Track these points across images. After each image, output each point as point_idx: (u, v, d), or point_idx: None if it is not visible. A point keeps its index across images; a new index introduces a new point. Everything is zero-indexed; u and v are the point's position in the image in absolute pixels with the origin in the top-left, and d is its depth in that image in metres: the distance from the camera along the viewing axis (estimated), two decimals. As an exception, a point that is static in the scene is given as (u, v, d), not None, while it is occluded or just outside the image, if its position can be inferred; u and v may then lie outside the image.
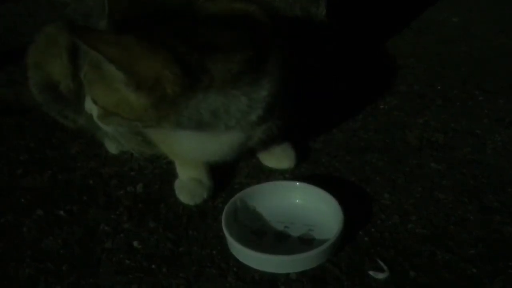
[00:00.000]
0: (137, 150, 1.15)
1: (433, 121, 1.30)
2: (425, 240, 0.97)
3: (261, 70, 0.91)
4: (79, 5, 1.25)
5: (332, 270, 0.92)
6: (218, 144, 0.98)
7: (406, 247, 0.96)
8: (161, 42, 0.82)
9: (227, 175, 1.14)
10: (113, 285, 0.91)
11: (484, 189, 1.08)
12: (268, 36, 0.93)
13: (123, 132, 0.98)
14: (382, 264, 0.91)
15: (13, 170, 1.21)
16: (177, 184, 1.10)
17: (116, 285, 0.91)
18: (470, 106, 1.36)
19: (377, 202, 1.06)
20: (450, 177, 1.12)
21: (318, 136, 1.26)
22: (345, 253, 0.95)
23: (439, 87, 1.45)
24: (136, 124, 0.89)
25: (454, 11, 1.88)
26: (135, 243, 1.00)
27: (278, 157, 1.16)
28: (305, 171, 1.16)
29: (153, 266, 0.95)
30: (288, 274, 0.91)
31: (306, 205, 1.04)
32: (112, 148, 1.23)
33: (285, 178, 1.13)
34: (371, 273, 0.90)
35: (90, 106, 0.94)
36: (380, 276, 0.90)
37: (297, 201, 1.05)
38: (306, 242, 0.96)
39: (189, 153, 1.04)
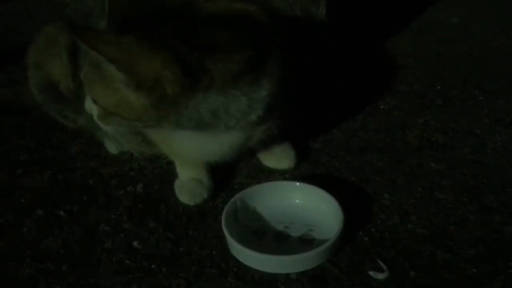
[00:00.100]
0: (137, 150, 1.15)
1: (433, 121, 1.30)
2: (425, 240, 0.97)
3: (261, 70, 0.91)
4: (79, 5, 1.25)
5: (332, 270, 0.92)
6: (218, 144, 0.98)
7: (406, 247, 0.96)
8: (161, 42, 0.82)
9: (227, 175, 1.14)
10: (113, 285, 0.92)
11: (484, 189, 1.08)
12: (268, 36, 0.93)
13: (123, 132, 0.98)
14: (382, 264, 0.91)
15: (13, 170, 1.21)
16: (177, 184, 1.10)
17: (116, 285, 0.91)
18: (470, 106, 1.36)
19: (377, 202, 1.06)
20: (450, 177, 1.12)
21: (318, 136, 1.26)
22: (345, 253, 0.95)
23: (439, 87, 1.45)
24: (136, 124, 0.90)
25: (454, 11, 1.88)
26: (135, 243, 1.00)
27: (278, 157, 1.16)
28: (305, 171, 1.16)
29: (153, 266, 0.95)
30: (288, 274, 0.91)
31: (306, 205, 1.04)
32: (112, 148, 1.23)
33: (285, 178, 1.13)
34: (371, 273, 0.90)
35: (90, 106, 0.94)
36: (380, 276, 0.90)
37: (297, 201, 1.05)
38: (306, 242, 0.96)
39: (189, 153, 1.04)
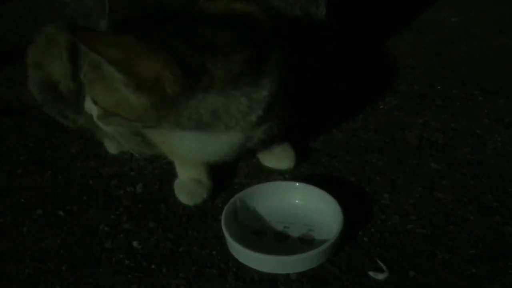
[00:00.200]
0: (136, 150, 1.15)
1: (433, 121, 1.30)
2: (425, 240, 0.97)
3: (261, 70, 0.91)
4: (79, 5, 1.25)
5: (332, 270, 0.92)
6: (218, 144, 0.98)
7: (406, 247, 0.96)
8: (161, 42, 0.82)
9: (227, 175, 1.14)
10: (113, 285, 0.91)
11: (484, 189, 1.08)
12: (268, 36, 0.93)
13: (123, 132, 0.98)
14: (381, 264, 0.91)
15: (13, 170, 1.21)
16: (176, 184, 1.10)
17: (116, 285, 0.91)
18: (470, 106, 1.36)
19: (377, 202, 1.06)
20: (450, 177, 1.11)
21: (318, 136, 1.26)
22: (345, 253, 0.95)
23: (439, 87, 1.45)
24: (136, 124, 0.89)
25: (454, 11, 1.88)
26: (135, 243, 1.00)
27: (278, 157, 1.16)
28: (305, 171, 1.16)
29: (153, 266, 0.95)
30: (288, 274, 0.91)
31: (306, 205, 1.04)
32: (112, 148, 1.23)
33: (285, 178, 1.13)
34: (371, 273, 0.90)
35: (90, 106, 0.94)
36: (380, 276, 0.90)
37: (297, 201, 1.05)
38: (306, 242, 0.96)
39: (189, 153, 1.04)
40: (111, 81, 0.84)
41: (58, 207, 1.09)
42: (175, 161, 1.12)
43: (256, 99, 0.92)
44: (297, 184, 1.06)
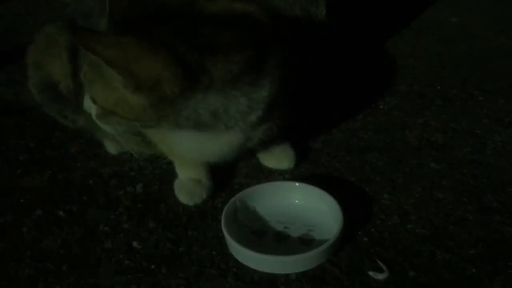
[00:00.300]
0: (136, 150, 1.15)
1: (433, 121, 1.30)
2: (425, 240, 0.96)
3: (261, 71, 0.91)
4: (79, 5, 1.25)
5: (332, 270, 0.92)
6: (217, 145, 0.98)
7: (406, 247, 0.96)
8: (161, 43, 0.82)
9: (227, 175, 1.14)
10: (112, 285, 0.91)
11: (484, 189, 1.08)
12: (268, 36, 0.93)
13: (122, 131, 0.98)
14: (381, 264, 0.91)
15: (13, 170, 1.21)
16: (176, 184, 1.10)
17: (116, 285, 0.91)
18: (470, 106, 1.36)
19: (377, 202, 1.06)
20: (450, 177, 1.11)
21: (318, 136, 1.26)
22: (345, 253, 0.95)
23: (439, 87, 1.45)
24: (135, 124, 0.89)
25: (454, 11, 1.88)
26: (135, 243, 1.00)
27: (278, 157, 1.16)
28: (305, 171, 1.16)
29: (153, 266, 0.95)
30: (288, 275, 0.91)
31: (305, 206, 1.04)
32: (111, 148, 1.23)
33: (284, 178, 1.13)
34: (370, 273, 0.90)
35: (89, 105, 0.94)
36: (380, 276, 0.90)
37: (297, 201, 1.05)
38: (306, 243, 0.96)
39: (188, 153, 1.04)
40: (110, 80, 0.84)
41: (58, 207, 1.09)
42: (175, 161, 1.12)
43: (256, 99, 0.92)
44: (297, 184, 1.06)
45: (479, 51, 1.62)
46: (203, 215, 1.05)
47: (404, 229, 0.99)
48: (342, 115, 1.33)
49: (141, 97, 0.83)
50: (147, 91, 0.82)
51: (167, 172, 1.15)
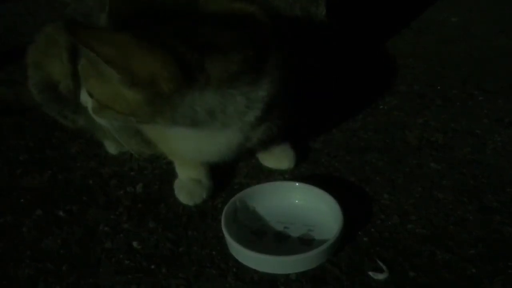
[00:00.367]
0: (136, 150, 1.15)
1: (433, 121, 1.30)
2: (425, 240, 0.96)
3: (260, 71, 0.91)
4: (79, 5, 1.25)
5: (332, 270, 0.92)
6: (216, 144, 0.98)
7: (406, 247, 0.95)
8: (159, 40, 0.81)
9: (227, 175, 1.14)
10: (112, 285, 0.91)
11: (484, 189, 1.08)
12: (268, 36, 0.93)
13: (118, 126, 0.97)
14: (381, 264, 0.91)
15: (13, 170, 1.21)
16: (176, 184, 1.10)
17: (116, 285, 0.91)
18: (470, 106, 1.36)
19: (377, 202, 1.06)
20: (450, 177, 1.11)
21: (318, 136, 1.26)
22: (345, 253, 0.95)
23: (439, 87, 1.45)
24: (131, 119, 0.89)
25: (454, 11, 1.88)
26: (135, 243, 1.00)
27: (278, 157, 1.15)
28: (305, 171, 1.16)
29: (153, 266, 0.95)
30: (288, 275, 0.91)
31: (305, 206, 1.04)
32: (111, 148, 1.23)
33: (284, 178, 1.13)
34: (370, 273, 0.90)
35: (85, 99, 0.94)
36: (380, 276, 0.90)
37: (297, 201, 1.05)
38: (306, 243, 0.96)
39: (188, 153, 1.04)
40: (107, 75, 0.83)
41: (58, 207, 1.09)
42: (174, 161, 1.12)
43: (254, 99, 0.92)
44: (297, 184, 1.06)
45: (479, 51, 1.62)
46: (203, 215, 1.05)
47: (404, 229, 0.99)
48: (342, 115, 1.33)
49: (136, 92, 0.83)
50: (143, 87, 0.82)
51: (167, 172, 1.15)
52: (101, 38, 0.80)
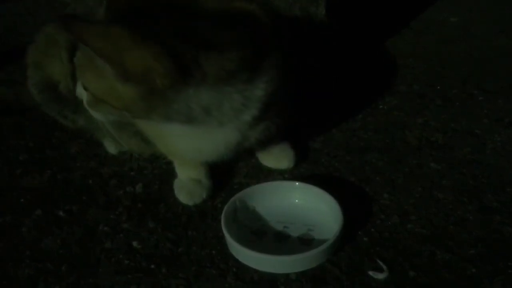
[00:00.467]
0: (136, 149, 1.15)
1: (433, 121, 1.30)
2: (425, 240, 0.96)
3: (258, 69, 0.90)
4: (79, 5, 1.25)
5: (332, 270, 0.92)
6: (214, 143, 0.98)
7: (406, 247, 0.95)
8: (154, 35, 0.81)
9: (227, 175, 1.14)
10: (112, 285, 0.91)
11: (484, 189, 1.08)
12: (267, 35, 0.92)
13: (114, 122, 0.97)
14: (381, 264, 0.91)
15: (12, 170, 1.21)
16: (176, 184, 1.10)
17: (116, 285, 0.91)
18: (470, 106, 1.36)
19: (377, 202, 1.06)
20: (450, 177, 1.11)
21: (318, 136, 1.26)
22: (345, 253, 0.95)
23: (439, 87, 1.45)
24: (125, 114, 0.89)
25: (454, 11, 1.88)
26: (135, 243, 1.00)
27: (277, 157, 1.15)
28: (304, 171, 1.16)
29: (153, 266, 0.95)
30: (287, 274, 0.91)
31: (305, 205, 1.03)
32: (111, 148, 1.23)
33: (284, 178, 1.13)
34: (370, 273, 0.90)
35: (80, 91, 0.94)
36: (380, 276, 0.90)
37: (297, 201, 1.05)
38: (305, 242, 0.96)
39: (185, 152, 1.04)
40: (101, 69, 0.83)
41: (58, 207, 1.09)
42: (174, 161, 1.12)
43: (251, 97, 0.91)
44: (297, 184, 1.06)
45: (479, 51, 1.62)
46: (203, 215, 1.05)
47: (404, 229, 0.99)
48: (342, 115, 1.33)
49: (130, 87, 0.82)
50: (137, 82, 0.82)
51: (167, 172, 1.15)
52: (94, 32, 0.80)
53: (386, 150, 1.21)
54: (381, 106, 1.37)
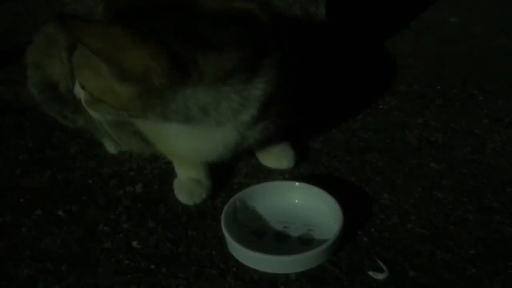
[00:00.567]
0: (136, 149, 1.15)
1: (433, 121, 1.30)
2: (425, 240, 0.96)
3: (256, 69, 0.90)
4: (79, 4, 1.25)
5: (332, 270, 0.91)
6: (213, 143, 0.97)
7: (406, 247, 0.95)
8: (151, 34, 0.80)
9: (226, 175, 1.14)
10: (112, 285, 0.91)
11: (484, 189, 1.08)
12: (267, 35, 0.92)
13: (111, 120, 0.97)
14: (381, 264, 0.91)
15: (12, 170, 1.21)
16: (176, 184, 1.10)
17: (115, 285, 0.91)
18: (470, 106, 1.36)
19: (377, 202, 1.06)
20: (450, 177, 1.11)
21: (318, 136, 1.26)
22: (345, 253, 0.94)
23: (439, 87, 1.45)
24: (123, 113, 0.88)
25: (454, 11, 1.88)
26: (135, 243, 0.99)
27: (277, 157, 1.15)
28: (304, 171, 1.16)
29: (153, 266, 0.95)
30: (287, 274, 0.91)
31: (305, 205, 1.03)
32: (111, 148, 1.23)
33: (284, 178, 1.13)
34: (370, 273, 0.90)
35: (78, 90, 0.94)
36: (380, 276, 0.90)
37: (297, 201, 1.05)
38: (305, 242, 0.96)
39: (184, 152, 1.03)
40: (98, 68, 0.83)
41: (57, 207, 1.09)
42: (174, 161, 1.12)
43: (249, 97, 0.91)
44: (297, 184, 1.06)
45: (479, 51, 1.62)
46: (203, 215, 1.05)
47: (404, 229, 0.99)
48: (342, 115, 1.33)
49: (128, 87, 0.82)
50: (134, 82, 0.81)
51: (166, 172, 1.15)
52: (92, 31, 0.79)
53: (386, 150, 1.21)
54: (381, 106, 1.37)
